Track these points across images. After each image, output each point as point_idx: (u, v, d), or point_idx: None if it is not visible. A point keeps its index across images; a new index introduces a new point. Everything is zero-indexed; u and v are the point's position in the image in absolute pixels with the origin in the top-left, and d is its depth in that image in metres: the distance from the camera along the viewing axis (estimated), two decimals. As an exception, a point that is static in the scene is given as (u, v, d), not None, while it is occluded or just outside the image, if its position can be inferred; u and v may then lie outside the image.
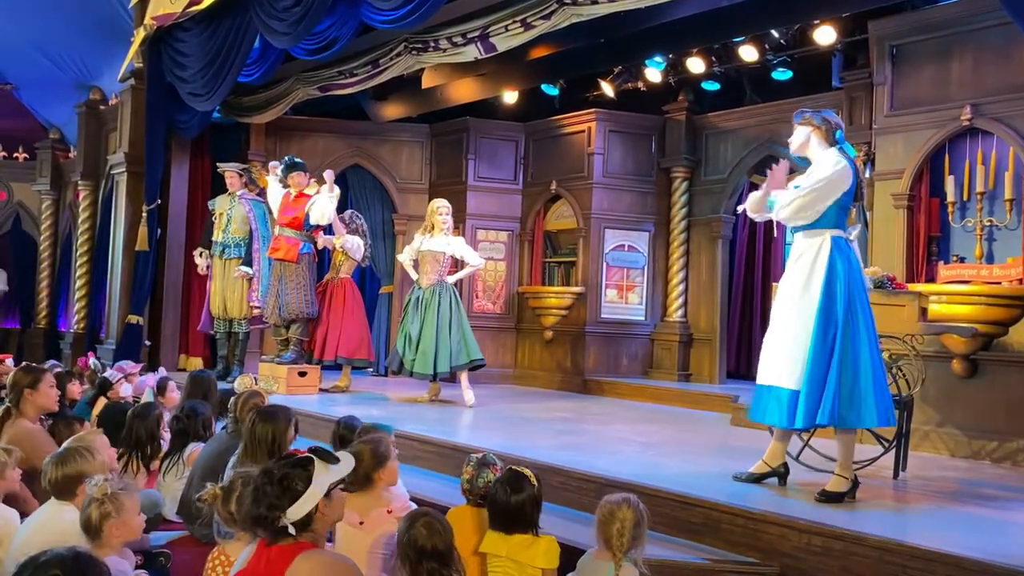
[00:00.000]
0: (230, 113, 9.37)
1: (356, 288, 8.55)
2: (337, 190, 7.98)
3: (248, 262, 8.63)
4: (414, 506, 3.38)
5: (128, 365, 6.71)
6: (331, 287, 8.31)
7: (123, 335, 9.05)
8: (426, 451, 5.54)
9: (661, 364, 9.15)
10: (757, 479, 4.49)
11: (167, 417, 4.95)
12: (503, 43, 6.73)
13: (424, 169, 10.31)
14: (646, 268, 9.37)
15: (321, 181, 8.06)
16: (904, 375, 5.03)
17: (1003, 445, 5.50)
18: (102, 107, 11.15)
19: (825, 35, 7.41)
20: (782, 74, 8.25)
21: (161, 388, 5.78)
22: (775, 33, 7.74)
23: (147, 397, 5.71)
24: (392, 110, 9.88)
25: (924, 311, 5.26)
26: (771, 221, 4.85)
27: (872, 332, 4.25)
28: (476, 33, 6.80)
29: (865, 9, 6.73)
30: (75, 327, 11.05)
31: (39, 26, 10.61)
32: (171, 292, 9.36)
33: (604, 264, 9.25)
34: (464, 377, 7.52)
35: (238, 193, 8.83)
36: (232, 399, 4.47)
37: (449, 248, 7.65)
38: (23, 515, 3.40)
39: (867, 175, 6.57)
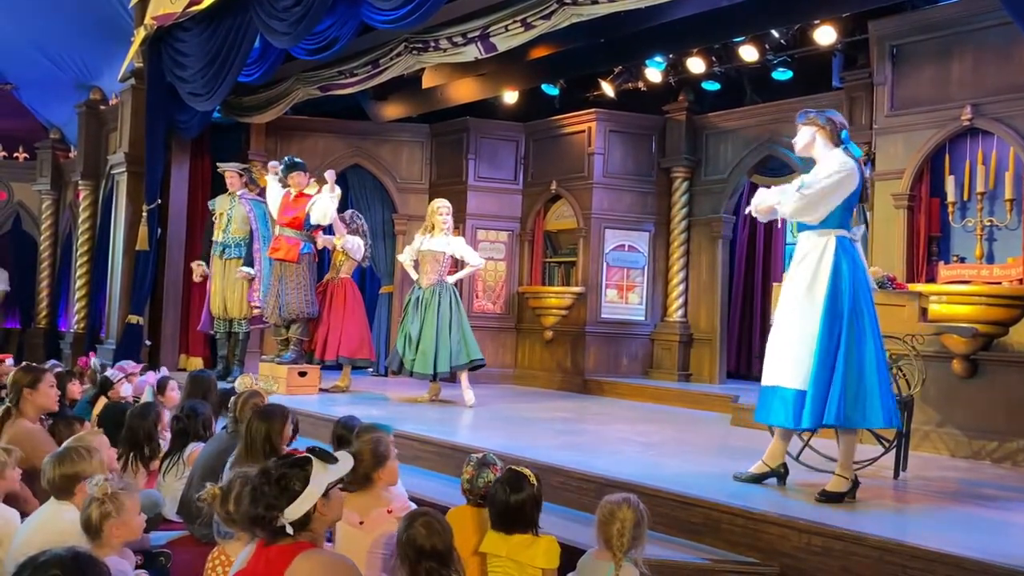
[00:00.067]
0: (230, 113, 9.37)
1: (356, 288, 8.56)
2: (338, 190, 7.99)
3: (249, 262, 8.64)
4: (414, 506, 3.38)
5: (129, 365, 6.71)
6: (332, 287, 8.31)
7: (123, 335, 9.05)
8: (426, 451, 5.54)
9: (661, 364, 9.15)
10: (757, 479, 4.49)
11: (167, 416, 4.96)
12: (503, 43, 6.73)
13: (424, 169, 10.31)
14: (646, 268, 9.37)
15: (321, 181, 8.07)
16: (904, 375, 5.03)
17: (1003, 445, 5.50)
18: (102, 107, 11.15)
19: (825, 35, 7.41)
20: (782, 74, 8.25)
21: (161, 387, 5.78)
22: (775, 33, 7.73)
23: (147, 396, 5.71)
24: (392, 110, 9.88)
25: (924, 311, 5.25)
26: (772, 221, 4.83)
27: (877, 332, 4.25)
28: (476, 33, 6.80)
29: (865, 9, 6.73)
30: (75, 327, 11.05)
31: (39, 26, 10.61)
32: (171, 292, 9.36)
33: (604, 264, 9.25)
34: (464, 377, 7.52)
35: (238, 193, 8.83)
36: (232, 399, 4.47)
37: (449, 248, 7.65)
38: (23, 515, 3.41)
39: (867, 175, 6.56)
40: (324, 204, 7.87)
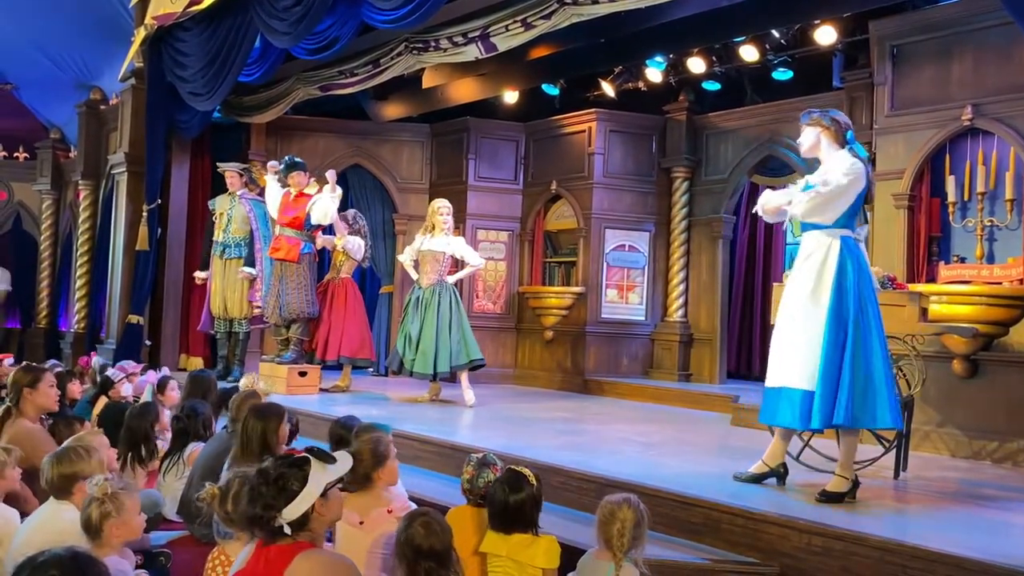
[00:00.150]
0: (230, 113, 9.37)
1: (357, 288, 8.56)
2: (339, 190, 7.99)
3: (251, 262, 8.64)
4: (414, 506, 3.38)
5: (129, 365, 6.71)
6: (332, 287, 8.32)
7: (123, 335, 9.05)
8: (426, 451, 5.53)
9: (661, 364, 9.15)
10: (757, 479, 4.48)
11: (168, 415, 4.96)
12: (504, 43, 6.73)
13: (424, 169, 10.31)
14: (646, 268, 9.36)
15: (321, 181, 8.06)
16: (905, 375, 5.03)
17: (1004, 445, 5.49)
18: (102, 107, 11.14)
19: (826, 35, 7.40)
20: (783, 74, 8.25)
21: (161, 386, 5.79)
22: (776, 33, 7.73)
23: (147, 395, 5.72)
24: (392, 110, 9.88)
25: (925, 311, 5.24)
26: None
27: (882, 332, 4.25)
28: (477, 33, 6.79)
29: (865, 9, 6.72)
30: (75, 327, 11.05)
31: (39, 26, 10.61)
32: (171, 292, 9.36)
33: (604, 264, 9.25)
34: (464, 377, 7.52)
35: (238, 193, 8.84)
36: (232, 399, 4.48)
37: (449, 248, 7.65)
38: (23, 514, 3.41)
39: (872, 175, 6.57)
40: (325, 204, 7.87)
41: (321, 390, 8.04)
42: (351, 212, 8.64)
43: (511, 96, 9.73)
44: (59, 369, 6.44)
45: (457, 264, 7.87)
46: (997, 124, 5.98)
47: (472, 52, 6.98)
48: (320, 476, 2.54)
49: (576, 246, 9.45)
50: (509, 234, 9.90)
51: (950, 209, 6.17)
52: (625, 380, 8.86)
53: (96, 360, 7.74)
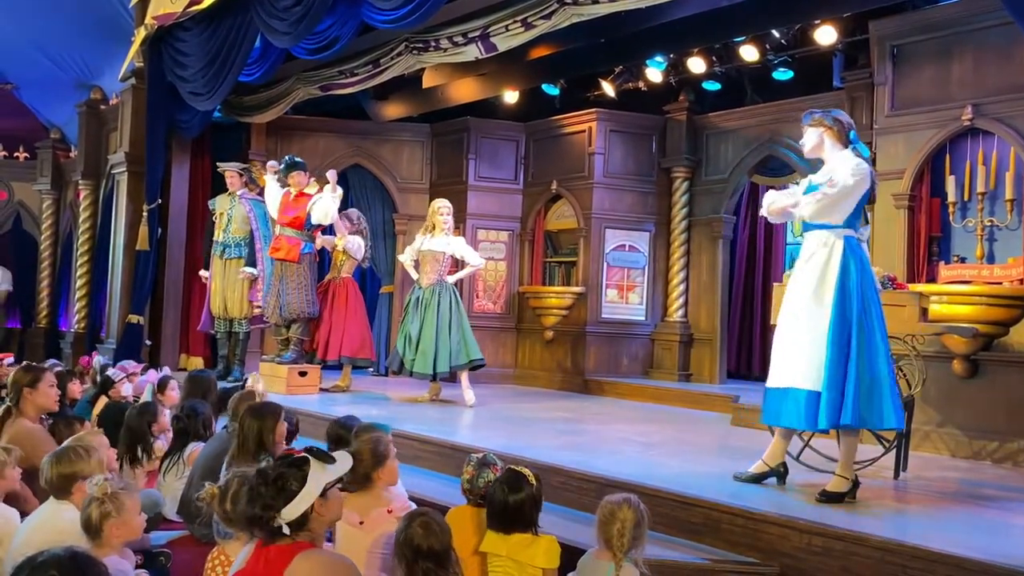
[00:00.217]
0: (231, 113, 9.37)
1: (358, 288, 8.56)
2: (340, 190, 7.99)
3: (252, 263, 8.64)
4: (414, 506, 3.38)
5: (130, 365, 6.71)
6: (333, 287, 8.32)
7: (124, 335, 9.05)
8: (426, 451, 5.53)
9: (661, 364, 9.15)
10: (757, 479, 4.48)
11: (168, 415, 4.96)
12: (504, 43, 6.72)
13: (425, 169, 10.31)
14: (647, 268, 9.36)
15: (321, 180, 8.06)
16: (905, 375, 5.03)
17: (1004, 445, 5.49)
18: (103, 107, 11.14)
19: (826, 35, 7.40)
20: (783, 74, 8.24)
21: (162, 386, 5.78)
22: (776, 33, 7.73)
23: (147, 395, 5.72)
24: (393, 110, 9.88)
25: (925, 311, 5.25)
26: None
27: (885, 332, 4.25)
28: (477, 33, 6.79)
29: (866, 9, 6.72)
30: (76, 327, 11.05)
31: (39, 26, 10.61)
32: (171, 292, 9.36)
33: (605, 264, 9.25)
34: (464, 377, 7.52)
35: (238, 193, 8.83)
36: (231, 398, 4.48)
37: (449, 248, 7.66)
38: (23, 514, 3.41)
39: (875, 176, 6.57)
40: (326, 204, 7.87)
41: (321, 390, 8.05)
42: (355, 213, 8.64)
43: (511, 96, 9.73)
44: (59, 369, 6.43)
45: (457, 264, 7.87)
46: (997, 124, 5.98)
47: (472, 52, 6.98)
48: (319, 476, 2.53)
49: (576, 246, 9.45)
50: (509, 234, 9.90)
51: (950, 209, 6.17)
52: (625, 380, 8.86)
53: (98, 360, 7.74)
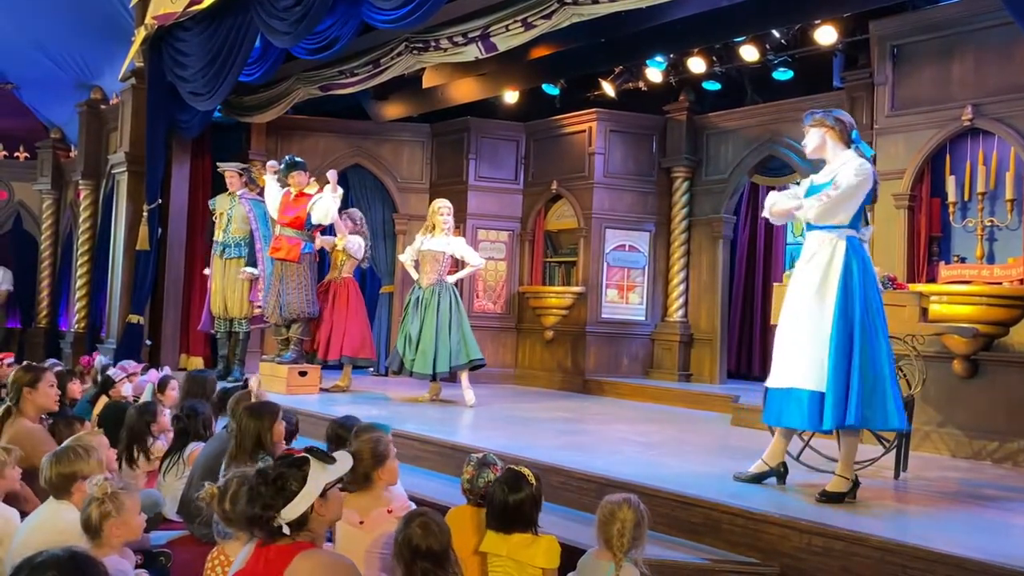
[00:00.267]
0: (231, 112, 9.37)
1: (358, 287, 8.56)
2: (340, 190, 7.99)
3: (253, 263, 8.64)
4: (414, 506, 3.38)
5: (130, 365, 6.71)
6: (333, 286, 8.32)
7: (124, 334, 9.05)
8: (426, 451, 5.53)
9: (661, 364, 9.15)
10: (757, 479, 4.48)
11: (168, 415, 4.96)
12: (504, 43, 6.72)
13: (425, 169, 10.31)
14: (647, 268, 9.36)
15: (322, 180, 8.06)
16: (905, 375, 5.03)
17: (1004, 445, 5.49)
18: (103, 106, 11.14)
19: (826, 35, 7.40)
20: (783, 74, 8.24)
21: (162, 386, 5.78)
22: (776, 33, 7.73)
23: (147, 395, 5.71)
24: (393, 110, 9.88)
25: (925, 311, 5.25)
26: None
27: (887, 333, 4.25)
28: (477, 33, 6.79)
29: (866, 9, 6.72)
30: (76, 326, 11.05)
31: (39, 26, 10.61)
32: (172, 291, 9.36)
33: (605, 264, 9.25)
34: (464, 377, 7.52)
35: (238, 193, 8.84)
36: (230, 399, 4.48)
37: (449, 248, 7.66)
38: (23, 514, 3.41)
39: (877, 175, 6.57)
40: (326, 204, 7.87)
41: (321, 390, 8.05)
42: (357, 214, 8.64)
43: (511, 96, 9.73)
44: (59, 369, 6.42)
45: (457, 264, 7.87)
46: (997, 124, 5.98)
47: (472, 52, 6.98)
48: (319, 476, 2.53)
49: (576, 246, 9.45)
50: (509, 234, 9.90)
51: (950, 209, 6.17)
52: (625, 380, 8.85)
53: (99, 359, 7.73)
